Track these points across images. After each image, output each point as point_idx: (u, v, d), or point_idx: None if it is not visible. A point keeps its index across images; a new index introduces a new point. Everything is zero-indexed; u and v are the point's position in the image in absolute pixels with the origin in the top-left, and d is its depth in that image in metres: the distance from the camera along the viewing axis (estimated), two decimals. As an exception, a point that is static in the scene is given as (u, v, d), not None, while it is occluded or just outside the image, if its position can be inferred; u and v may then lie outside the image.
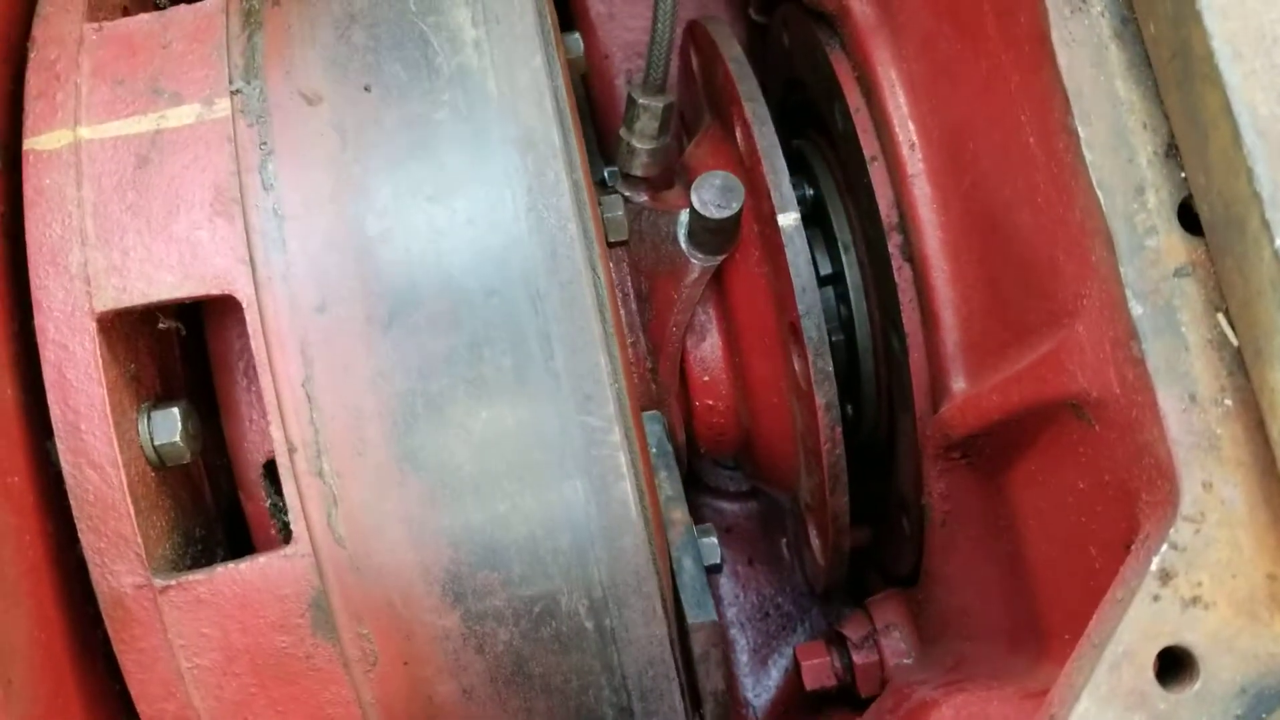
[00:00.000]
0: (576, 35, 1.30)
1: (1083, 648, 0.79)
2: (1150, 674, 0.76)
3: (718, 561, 1.18)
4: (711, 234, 1.24)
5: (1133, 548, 0.81)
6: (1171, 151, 0.81)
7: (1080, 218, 0.83)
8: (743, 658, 1.75)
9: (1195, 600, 0.77)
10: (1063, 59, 0.82)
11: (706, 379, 1.37)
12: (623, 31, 1.74)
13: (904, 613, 1.39)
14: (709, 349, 1.37)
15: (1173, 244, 0.80)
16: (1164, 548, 0.77)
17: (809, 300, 1.19)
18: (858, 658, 1.39)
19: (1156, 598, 0.77)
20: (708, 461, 1.72)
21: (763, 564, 1.77)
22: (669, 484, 1.18)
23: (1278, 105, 0.74)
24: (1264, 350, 0.75)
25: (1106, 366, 0.83)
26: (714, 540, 1.18)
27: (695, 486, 1.76)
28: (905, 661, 1.38)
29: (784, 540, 1.69)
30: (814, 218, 1.35)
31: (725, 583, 1.77)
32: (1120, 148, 0.81)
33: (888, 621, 1.39)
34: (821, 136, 1.38)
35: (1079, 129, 0.81)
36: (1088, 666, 0.77)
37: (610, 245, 1.22)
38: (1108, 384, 0.83)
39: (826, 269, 1.33)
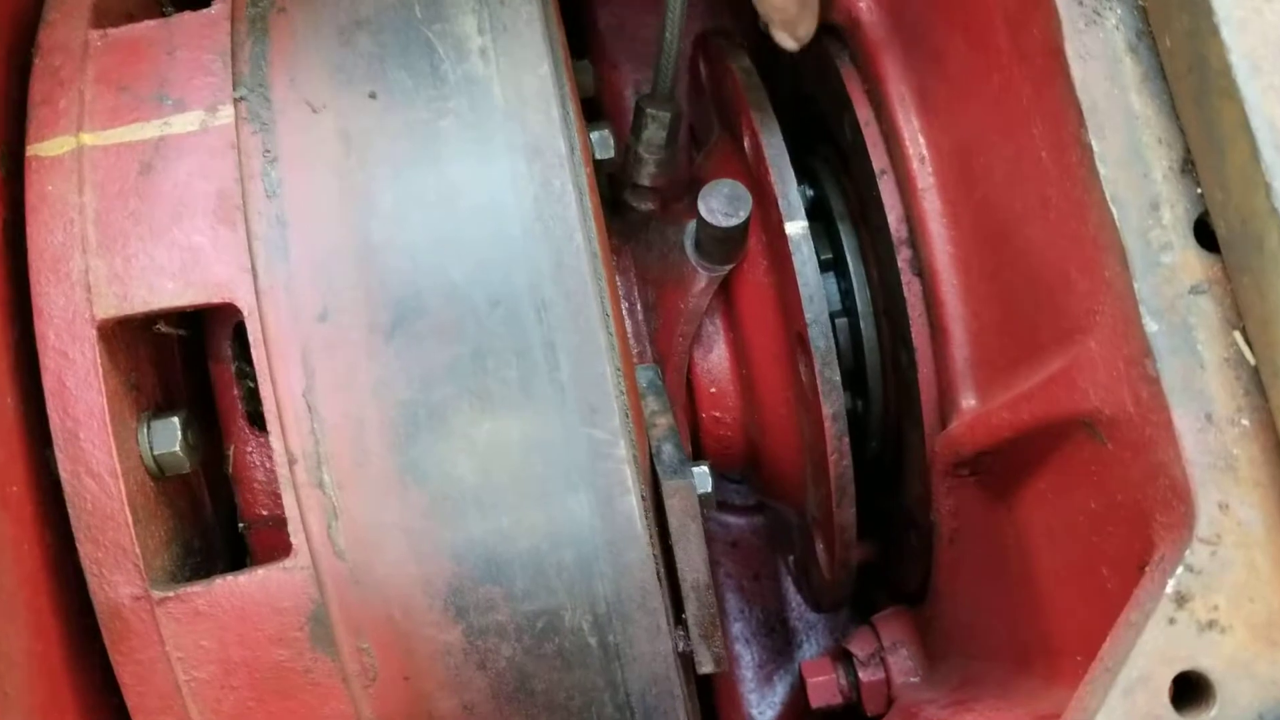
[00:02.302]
0: (585, 62, 1.29)
1: (1096, 671, 0.78)
2: (1165, 699, 0.75)
3: (709, 490, 1.11)
4: (719, 243, 1.23)
5: (1147, 569, 0.79)
6: (1187, 167, 0.79)
7: (1093, 233, 0.81)
8: (748, 673, 1.73)
9: (1212, 624, 0.75)
10: (1077, 72, 0.81)
11: (714, 390, 1.36)
12: (632, 42, 1.73)
13: (911, 630, 1.38)
14: (716, 360, 1.36)
15: (1188, 260, 0.78)
16: (1179, 570, 0.75)
17: (816, 308, 1.17)
18: (864, 675, 1.37)
19: (1172, 621, 0.75)
20: (714, 475, 1.70)
21: (769, 579, 1.76)
22: (655, 403, 1.14)
23: (1297, 120, 0.73)
24: (1282, 369, 0.74)
25: (1120, 384, 0.81)
26: (706, 469, 1.12)
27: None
28: (912, 680, 1.36)
29: (791, 557, 1.67)
30: (822, 233, 1.34)
31: (731, 598, 1.76)
32: (1135, 163, 0.79)
33: (894, 639, 1.37)
34: (831, 150, 1.37)
35: (1093, 143, 0.80)
36: (1101, 690, 0.76)
37: (597, 163, 1.18)
38: (1121, 402, 0.82)
39: (835, 283, 1.31)
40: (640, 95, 1.30)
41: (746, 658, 1.73)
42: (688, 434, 1.37)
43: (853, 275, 1.29)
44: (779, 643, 1.74)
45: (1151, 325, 0.78)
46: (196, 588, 0.96)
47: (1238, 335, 0.77)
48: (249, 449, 1.10)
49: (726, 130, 1.39)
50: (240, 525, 1.11)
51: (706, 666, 1.04)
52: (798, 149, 1.44)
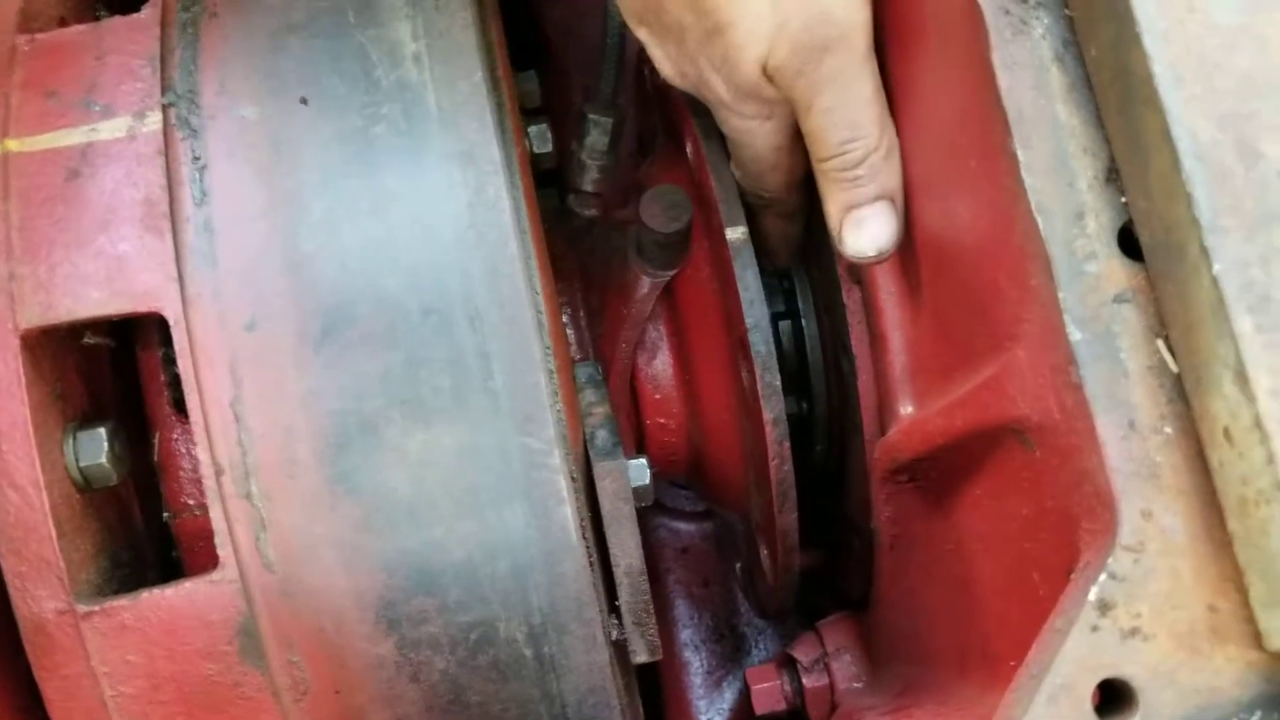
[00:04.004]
0: (530, 72, 1.28)
1: (1021, 678, 0.78)
2: (1089, 707, 0.75)
3: (646, 483, 1.10)
4: (660, 248, 1.23)
5: (1073, 577, 0.80)
6: (1112, 176, 0.80)
7: (1020, 242, 0.82)
8: (697, 680, 1.73)
9: (1135, 631, 0.75)
10: (1003, 82, 0.81)
11: (658, 396, 1.36)
12: (580, 48, 1.73)
13: (855, 636, 1.38)
14: (660, 366, 1.36)
15: (1113, 269, 0.79)
16: (1103, 577, 0.76)
17: (757, 313, 1.17)
18: (808, 681, 1.38)
19: (1095, 628, 0.75)
20: (663, 481, 1.70)
21: (718, 586, 1.76)
22: (593, 394, 1.12)
23: (1218, 130, 0.74)
24: (1204, 378, 0.74)
25: (1047, 392, 0.82)
26: (644, 462, 1.11)
27: (651, 506, 1.74)
28: (856, 686, 1.37)
29: (739, 563, 1.67)
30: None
31: (680, 604, 1.75)
32: (1060, 172, 0.80)
33: (839, 645, 1.38)
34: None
35: (1019, 152, 0.80)
36: (1025, 698, 0.76)
37: (535, 157, 1.18)
38: (1048, 410, 0.82)
39: (779, 285, 1.32)
40: (583, 100, 1.30)
41: (696, 664, 1.73)
42: (633, 439, 1.36)
43: (795, 278, 1.30)
44: (728, 649, 1.74)
45: (1075, 333, 0.78)
46: (122, 601, 0.95)
47: (1161, 344, 0.78)
48: (174, 436, 1.09)
49: (671, 137, 1.39)
50: (165, 515, 1.10)
51: (641, 655, 1.03)
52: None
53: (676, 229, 1.20)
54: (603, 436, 1.06)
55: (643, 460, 1.11)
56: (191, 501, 1.08)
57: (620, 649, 1.06)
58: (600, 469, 1.01)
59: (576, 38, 1.74)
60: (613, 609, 1.04)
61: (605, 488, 1.01)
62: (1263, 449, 0.70)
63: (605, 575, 1.03)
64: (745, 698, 1.68)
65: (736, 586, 1.73)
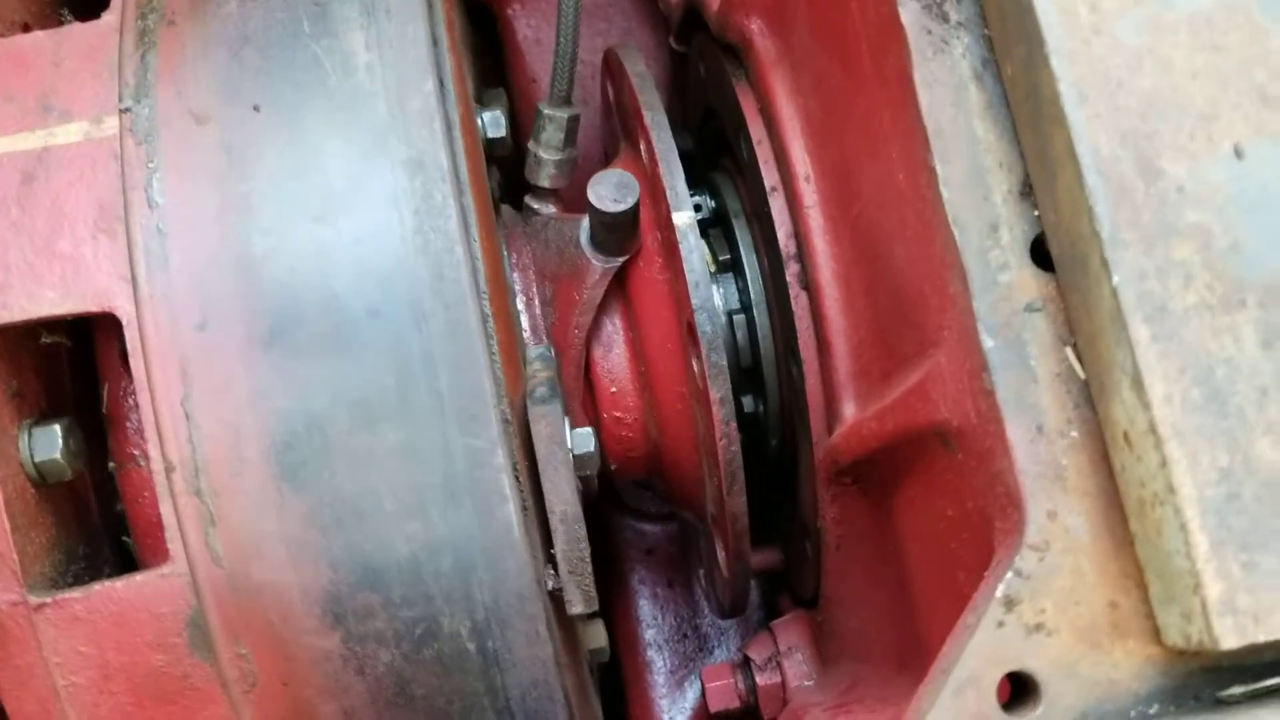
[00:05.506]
0: (499, 90, 1.30)
1: (933, 673, 0.81)
2: (993, 699, 0.78)
3: (592, 450, 1.09)
4: (609, 231, 1.24)
5: (985, 574, 0.83)
6: (1026, 190, 0.83)
7: (940, 252, 0.84)
8: (660, 679, 1.76)
9: (1039, 627, 0.78)
10: (924, 99, 0.84)
11: (614, 390, 1.38)
12: (549, 55, 1.75)
13: (807, 635, 1.41)
14: (616, 360, 1.37)
15: (1024, 280, 0.81)
16: (1009, 575, 0.79)
17: (702, 295, 1.19)
18: (761, 680, 1.40)
19: (1001, 624, 0.78)
20: (628, 485, 1.73)
21: (682, 586, 1.79)
22: (540, 365, 1.13)
23: (1120, 147, 0.77)
24: (1106, 384, 0.77)
25: (964, 397, 0.85)
26: (589, 431, 1.10)
27: (615, 507, 1.77)
28: (807, 683, 1.39)
29: (700, 569, 1.70)
30: (722, 237, 1.37)
31: (644, 604, 1.78)
32: (976, 186, 0.83)
33: (791, 644, 1.40)
34: (733, 164, 1.40)
35: (938, 167, 0.83)
36: (935, 690, 0.79)
37: (488, 144, 1.19)
38: (966, 414, 0.85)
39: (734, 283, 1.34)
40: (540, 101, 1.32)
41: (659, 663, 1.75)
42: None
43: (748, 274, 1.32)
44: (691, 649, 1.76)
45: (988, 341, 0.81)
46: (74, 593, 0.97)
47: (1069, 351, 0.81)
48: (122, 387, 1.10)
49: (628, 140, 1.42)
50: (110, 465, 1.11)
51: (576, 606, 1.02)
52: (705, 162, 1.47)
53: (623, 210, 1.21)
54: (541, 391, 1.05)
55: (588, 429, 1.11)
56: (137, 452, 1.09)
57: (570, 649, 1.09)
58: (535, 414, 1.01)
59: (546, 45, 1.77)
60: (549, 558, 1.03)
61: (539, 431, 1.00)
62: (1157, 453, 0.73)
63: (543, 526, 1.02)
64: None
65: (699, 587, 1.76)
